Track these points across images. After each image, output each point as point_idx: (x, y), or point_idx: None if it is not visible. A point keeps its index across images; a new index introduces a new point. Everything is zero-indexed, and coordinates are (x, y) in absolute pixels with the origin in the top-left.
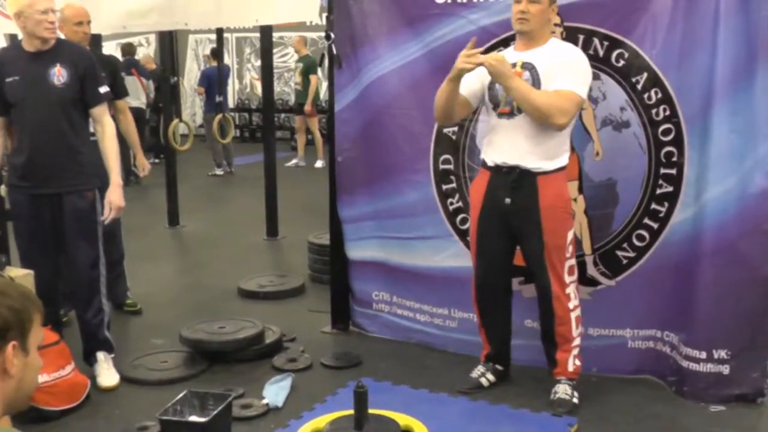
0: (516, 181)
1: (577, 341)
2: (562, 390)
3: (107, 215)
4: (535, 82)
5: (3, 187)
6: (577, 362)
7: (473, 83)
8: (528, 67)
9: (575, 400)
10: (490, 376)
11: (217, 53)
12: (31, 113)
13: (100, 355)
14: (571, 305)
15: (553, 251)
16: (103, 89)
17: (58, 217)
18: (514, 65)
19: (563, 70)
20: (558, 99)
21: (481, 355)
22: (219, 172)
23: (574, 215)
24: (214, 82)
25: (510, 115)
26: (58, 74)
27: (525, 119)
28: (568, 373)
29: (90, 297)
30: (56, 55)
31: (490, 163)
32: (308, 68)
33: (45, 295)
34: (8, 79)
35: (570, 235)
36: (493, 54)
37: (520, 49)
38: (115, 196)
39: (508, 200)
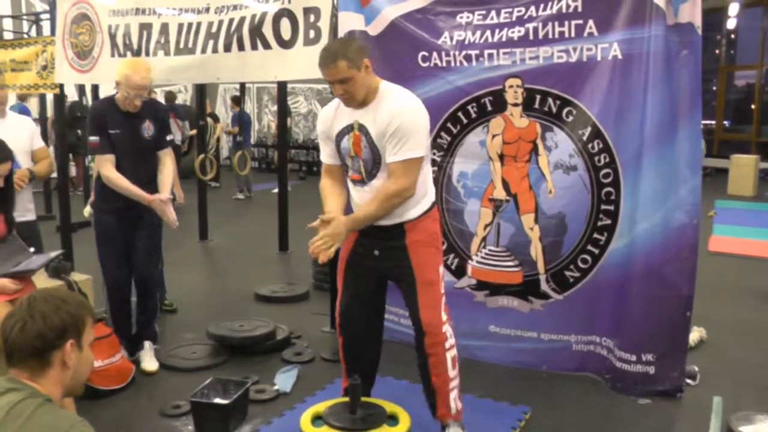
0: (383, 236)
1: (455, 382)
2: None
3: (170, 217)
4: (372, 147)
5: (88, 208)
6: (459, 404)
7: (333, 151)
8: (363, 131)
9: None
10: None
11: (238, 100)
12: (127, 156)
13: (147, 344)
14: (447, 344)
15: (425, 287)
16: (170, 137)
17: (135, 230)
18: (352, 127)
19: (391, 142)
20: (392, 189)
21: (342, 387)
22: (241, 196)
23: (443, 250)
24: (238, 123)
25: (362, 182)
26: (148, 128)
27: (377, 183)
28: (452, 415)
29: (153, 289)
30: (145, 112)
31: None
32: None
33: (118, 290)
34: (111, 131)
35: (441, 270)
36: (325, 233)
37: (355, 108)
38: (161, 195)
39: (377, 252)
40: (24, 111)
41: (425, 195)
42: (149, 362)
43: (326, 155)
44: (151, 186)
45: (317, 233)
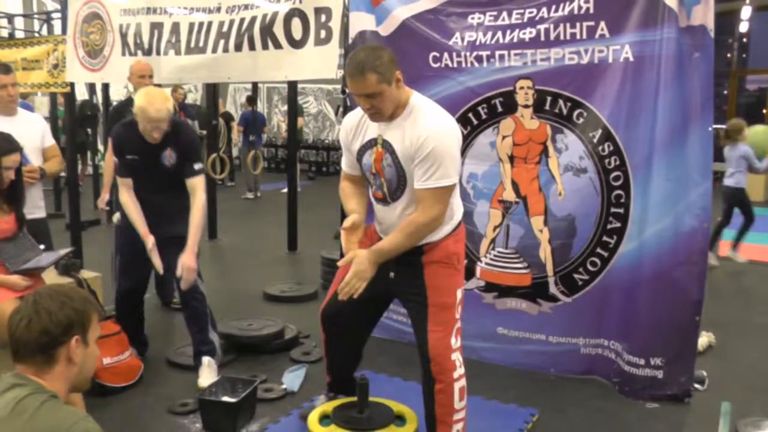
0: (402, 257)
1: (461, 414)
2: None
3: (180, 274)
4: (397, 166)
5: (117, 215)
6: None
7: (353, 162)
8: (388, 148)
9: None
10: None
11: (252, 100)
12: (146, 183)
13: (205, 359)
14: (455, 374)
15: (438, 310)
16: (198, 166)
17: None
18: (376, 141)
19: (421, 167)
20: (422, 220)
21: (326, 383)
22: (250, 195)
23: (463, 272)
24: (250, 123)
25: (384, 201)
26: (168, 157)
27: (401, 203)
28: None
29: (193, 292)
30: (166, 139)
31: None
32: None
33: (128, 297)
34: (128, 156)
35: (459, 294)
36: (351, 275)
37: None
38: (187, 259)
39: (392, 274)
40: (26, 108)
41: (451, 218)
42: (206, 378)
43: (346, 165)
44: (175, 204)
45: (346, 235)
